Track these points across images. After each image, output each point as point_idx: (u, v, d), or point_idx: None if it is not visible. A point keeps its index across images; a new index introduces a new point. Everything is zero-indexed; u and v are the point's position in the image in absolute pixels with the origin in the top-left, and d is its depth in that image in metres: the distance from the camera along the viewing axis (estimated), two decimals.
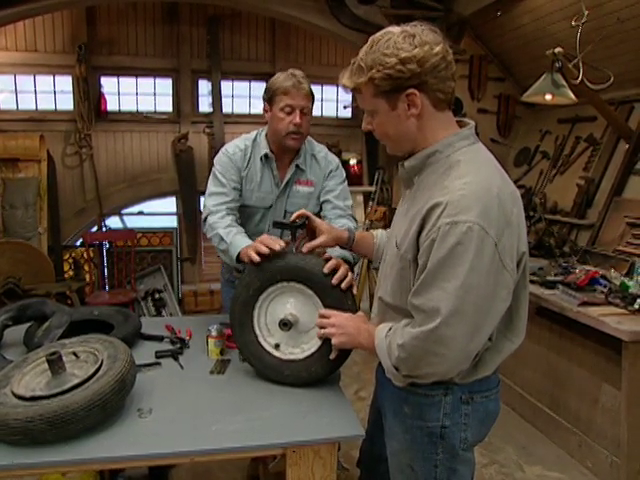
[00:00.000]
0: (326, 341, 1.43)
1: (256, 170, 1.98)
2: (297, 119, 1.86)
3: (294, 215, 1.51)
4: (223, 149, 2.01)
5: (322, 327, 1.36)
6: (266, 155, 1.97)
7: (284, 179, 2.00)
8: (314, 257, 1.46)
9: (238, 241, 1.71)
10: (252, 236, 1.96)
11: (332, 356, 1.43)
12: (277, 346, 1.50)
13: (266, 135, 2.00)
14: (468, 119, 1.19)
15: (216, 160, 1.99)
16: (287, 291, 1.48)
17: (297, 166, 2.00)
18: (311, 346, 1.47)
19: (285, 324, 1.44)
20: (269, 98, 1.90)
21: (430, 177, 1.13)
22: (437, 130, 1.13)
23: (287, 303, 1.49)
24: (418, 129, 1.13)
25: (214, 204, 1.89)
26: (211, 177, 1.97)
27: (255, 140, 2.01)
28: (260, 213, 2.03)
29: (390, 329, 1.16)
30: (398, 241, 1.16)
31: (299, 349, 1.49)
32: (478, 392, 1.18)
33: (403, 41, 1.05)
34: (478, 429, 1.21)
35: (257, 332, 1.51)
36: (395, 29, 1.09)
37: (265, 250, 1.45)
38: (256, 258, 1.46)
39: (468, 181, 1.03)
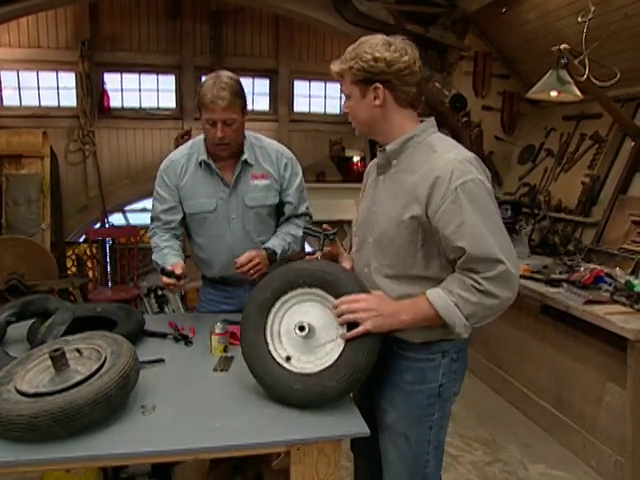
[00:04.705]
0: (339, 358, 1.33)
1: (194, 178, 1.96)
2: (218, 133, 1.82)
3: (325, 225, 1.55)
4: (161, 165, 2.02)
5: (341, 314, 1.31)
6: (204, 161, 1.94)
7: (232, 178, 1.96)
8: (341, 266, 1.47)
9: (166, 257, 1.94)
10: (210, 241, 2.02)
11: (348, 336, 1.31)
12: (288, 359, 1.39)
13: (205, 140, 1.96)
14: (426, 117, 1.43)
15: (156, 180, 2.02)
16: (307, 300, 1.39)
17: (245, 162, 1.95)
18: (325, 362, 1.35)
19: (302, 328, 1.35)
20: (197, 106, 1.87)
21: (413, 157, 1.36)
22: (403, 121, 1.38)
23: (305, 313, 1.39)
24: (384, 119, 1.37)
25: (151, 228, 2.07)
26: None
27: (192, 147, 1.99)
28: (209, 217, 1.98)
29: (443, 290, 1.28)
30: (394, 214, 1.33)
31: (312, 364, 1.37)
32: (462, 350, 1.43)
33: (382, 46, 1.32)
34: (461, 382, 1.48)
35: (268, 340, 1.41)
36: (379, 36, 1.35)
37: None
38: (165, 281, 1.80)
39: (457, 152, 1.32)
